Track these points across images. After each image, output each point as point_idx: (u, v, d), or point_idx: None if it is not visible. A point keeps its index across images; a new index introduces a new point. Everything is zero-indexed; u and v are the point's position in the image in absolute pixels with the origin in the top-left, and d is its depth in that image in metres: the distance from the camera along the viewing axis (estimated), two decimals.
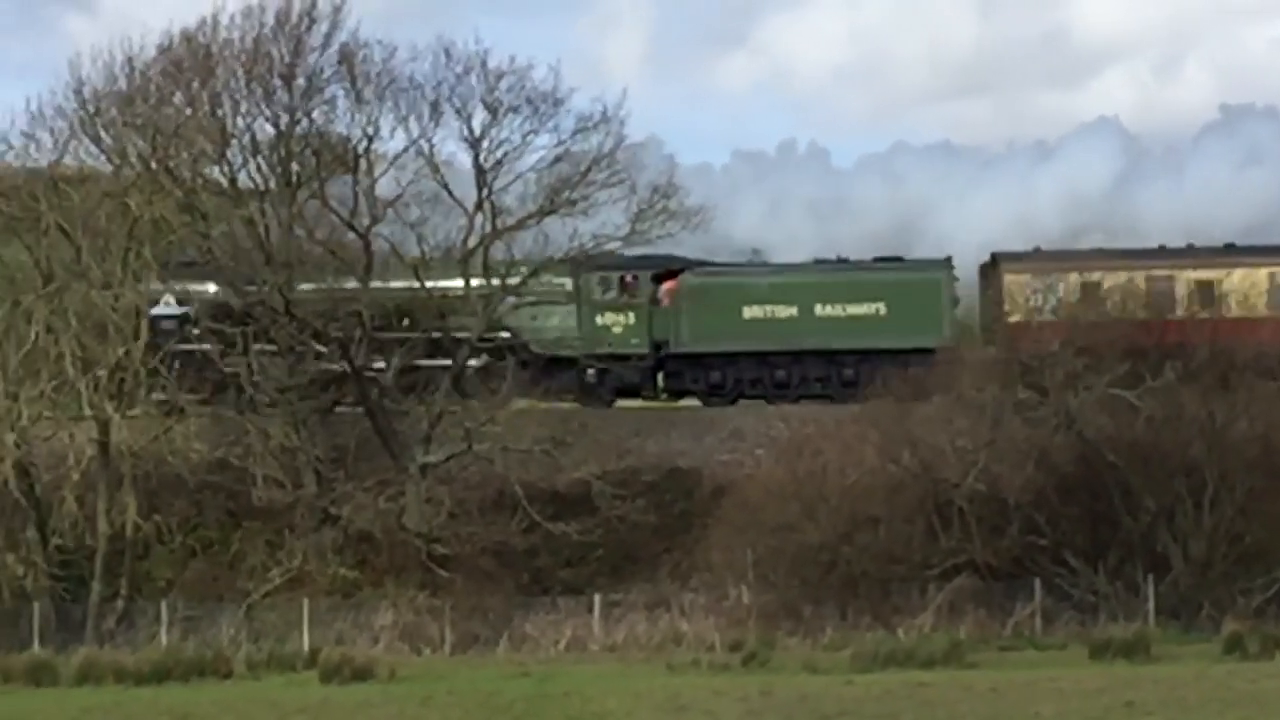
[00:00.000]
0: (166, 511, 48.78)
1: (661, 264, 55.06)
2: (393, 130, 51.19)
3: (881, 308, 53.97)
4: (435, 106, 51.07)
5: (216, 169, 50.95)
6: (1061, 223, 60.16)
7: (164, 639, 46.50)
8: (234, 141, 50.87)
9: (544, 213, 51.67)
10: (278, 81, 50.49)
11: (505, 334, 53.14)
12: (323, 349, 50.42)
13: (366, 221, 50.73)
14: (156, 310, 52.32)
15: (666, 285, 55.15)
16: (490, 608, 47.21)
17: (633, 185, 51.85)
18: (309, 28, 50.63)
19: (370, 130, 50.96)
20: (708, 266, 55.46)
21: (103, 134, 50.64)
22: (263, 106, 50.71)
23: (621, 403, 54.70)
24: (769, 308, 54.27)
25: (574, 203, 51.62)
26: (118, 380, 48.33)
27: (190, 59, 50.50)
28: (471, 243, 51.52)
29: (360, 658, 42.84)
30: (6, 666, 43.47)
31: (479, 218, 51.46)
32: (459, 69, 51.16)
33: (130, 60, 50.66)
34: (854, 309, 54.19)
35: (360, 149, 51.05)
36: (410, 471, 49.17)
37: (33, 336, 49.06)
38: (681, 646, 45.15)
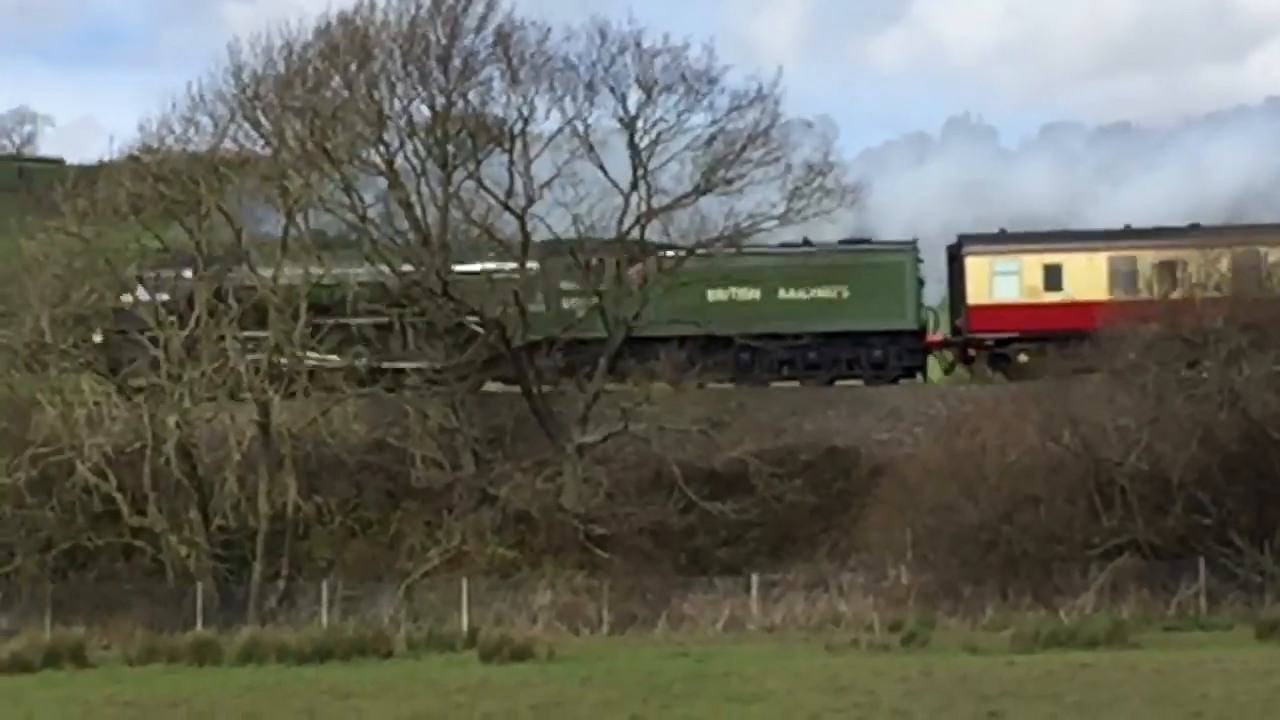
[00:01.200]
0: (326, 492, 49.12)
1: (626, 248, 53.42)
2: (548, 111, 51.39)
3: (844, 291, 53.51)
4: (590, 86, 51.20)
5: (373, 151, 51.17)
6: (1232, 202, 59.01)
7: (324, 619, 46.85)
8: (390, 124, 51.12)
9: (699, 192, 51.56)
10: (434, 63, 50.74)
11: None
12: (480, 329, 50.58)
13: (523, 202, 50.83)
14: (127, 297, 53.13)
15: (633, 269, 53.83)
16: (648, 588, 47.18)
17: (788, 163, 51.64)
18: (465, 9, 50.87)
19: (526, 111, 51.18)
20: (672, 250, 53.52)
21: (261, 118, 51.06)
22: (419, 88, 51.03)
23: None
24: (733, 290, 53.72)
25: (729, 181, 51.46)
26: (278, 362, 48.72)
27: (347, 42, 50.79)
28: (627, 223, 51.44)
29: (519, 637, 42.89)
30: (171, 646, 43.95)
31: (634, 197, 51.41)
32: (614, 48, 51.25)
33: (288, 44, 51.11)
34: (817, 292, 53.89)
35: (516, 130, 51.19)
36: (567, 452, 49.25)
37: (193, 319, 49.65)
38: (840, 627, 44.94)
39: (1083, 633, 41.37)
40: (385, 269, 50.72)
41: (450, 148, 51.06)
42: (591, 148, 51.27)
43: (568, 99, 51.11)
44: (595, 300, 51.33)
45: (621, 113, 51.33)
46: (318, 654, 43.00)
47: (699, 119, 51.82)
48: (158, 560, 48.30)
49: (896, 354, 54.29)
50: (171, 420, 48.20)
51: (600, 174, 51.40)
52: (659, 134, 51.46)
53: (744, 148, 51.43)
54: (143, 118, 51.15)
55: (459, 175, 51.24)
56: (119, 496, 47.81)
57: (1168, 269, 52.26)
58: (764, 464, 48.66)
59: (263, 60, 51.10)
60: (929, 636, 42.56)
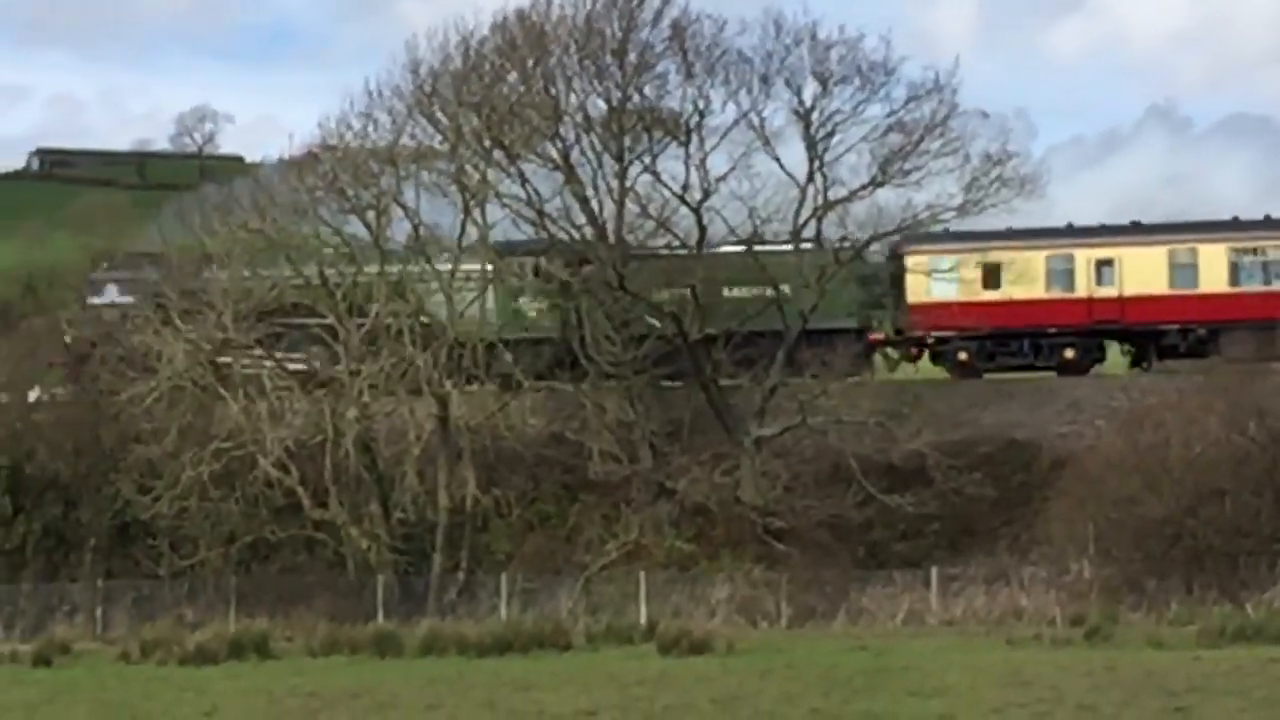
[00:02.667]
0: (505, 485, 49.31)
1: (573, 250, 52.86)
2: (724, 103, 51.38)
3: (785, 290, 51.79)
4: (765, 79, 51.09)
5: (550, 145, 51.33)
6: None
7: (504, 611, 47.08)
8: (567, 118, 51.27)
9: (876, 184, 51.29)
10: (610, 57, 50.81)
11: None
12: (656, 323, 50.60)
13: (698, 196, 50.81)
14: (96, 299, 53.83)
15: (585, 269, 52.77)
16: (826, 581, 46.96)
17: (966, 154, 51.20)
18: (640, 3, 50.92)
19: (701, 104, 51.18)
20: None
21: (438, 113, 51.33)
22: (595, 83, 51.13)
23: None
24: (675, 290, 52.11)
25: (906, 173, 51.14)
26: (456, 356, 49.00)
27: (524, 37, 51.00)
28: (803, 215, 51.25)
29: (698, 631, 42.79)
30: (353, 638, 44.28)
31: (810, 190, 51.21)
32: (789, 40, 51.10)
33: (465, 40, 51.38)
34: (756, 291, 52.15)
35: (691, 123, 51.14)
36: (745, 445, 49.15)
37: (372, 313, 50.07)
38: (1021, 621, 44.45)
39: (1270, 627, 40.64)
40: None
41: (626, 141, 51.11)
42: (767, 140, 51.27)
43: (743, 92, 51.14)
44: (772, 293, 51.15)
45: (797, 105, 51.25)
46: (497, 646, 43.18)
47: (875, 110, 51.63)
48: (339, 553, 48.75)
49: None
50: (351, 414, 48.63)
51: (776, 166, 51.31)
52: (835, 126, 51.33)
53: (921, 139, 51.09)
54: (322, 115, 51.55)
55: (635, 169, 51.39)
56: (300, 490, 48.31)
57: (1105, 266, 51.76)
58: (943, 457, 48.27)
59: (440, 56, 51.50)
60: (1112, 631, 41.98)
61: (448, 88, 51.26)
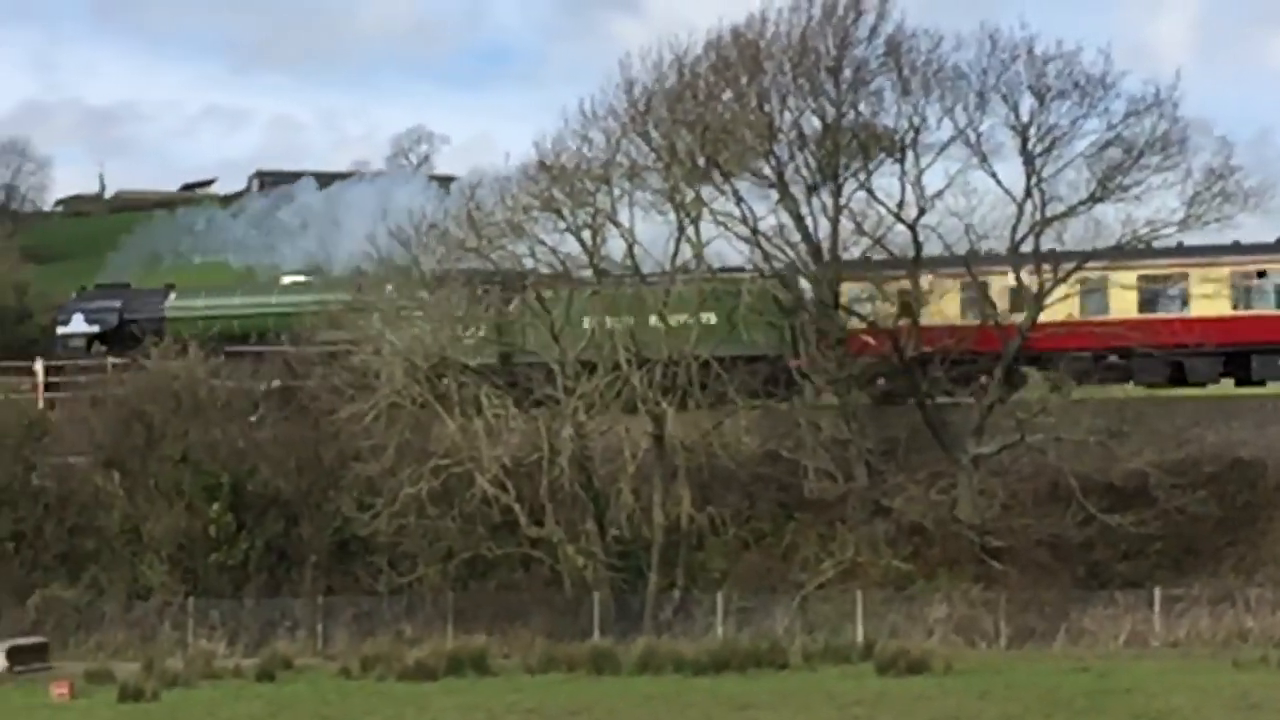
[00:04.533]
0: (719, 503, 49.18)
1: (508, 277, 53.38)
2: (939, 120, 50.86)
3: (713, 317, 50.92)
4: (982, 95, 50.48)
5: (764, 163, 51.22)
6: None
7: (719, 630, 47.01)
8: (781, 135, 51.12)
9: (1095, 199, 50.53)
10: (824, 74, 50.64)
11: None
12: (871, 340, 50.35)
13: (914, 213, 50.47)
14: (64, 329, 54.34)
15: (516, 299, 53.58)
16: (1046, 601, 46.38)
17: (1188, 169, 50.32)
18: (855, 20, 50.65)
19: (917, 121, 50.77)
20: (553, 279, 52.59)
21: (653, 131, 51.40)
22: (809, 100, 50.94)
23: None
24: (608, 318, 51.14)
25: (1126, 188, 50.35)
26: (670, 375, 49.04)
27: (738, 55, 50.97)
28: (1020, 231, 50.69)
29: (915, 650, 42.56)
30: (570, 655, 44.57)
31: (1028, 206, 50.62)
32: (1005, 56, 50.45)
33: (679, 58, 51.40)
34: (689, 318, 50.91)
35: (907, 140, 50.76)
36: (962, 463, 48.68)
37: (588, 331, 50.30)
38: (1247, 643, 43.66)
39: None
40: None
41: (841, 159, 50.87)
42: (984, 156, 50.68)
43: (959, 107, 50.57)
44: (990, 310, 50.65)
45: (1014, 120, 50.55)
46: (714, 664, 43.27)
47: (1094, 125, 50.81)
48: (555, 570, 48.93)
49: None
50: (567, 432, 48.83)
51: (992, 182, 50.79)
52: (1052, 141, 50.57)
53: (1141, 154, 50.26)
54: (537, 134, 51.76)
55: (849, 186, 51.13)
56: (517, 507, 48.54)
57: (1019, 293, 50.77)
58: (1165, 475, 47.45)
59: (654, 75, 51.57)
60: None
61: (662, 106, 51.32)
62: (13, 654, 47.31)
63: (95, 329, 58.59)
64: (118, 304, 62.10)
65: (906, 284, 50.66)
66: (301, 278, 63.54)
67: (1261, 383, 52.25)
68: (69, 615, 50.43)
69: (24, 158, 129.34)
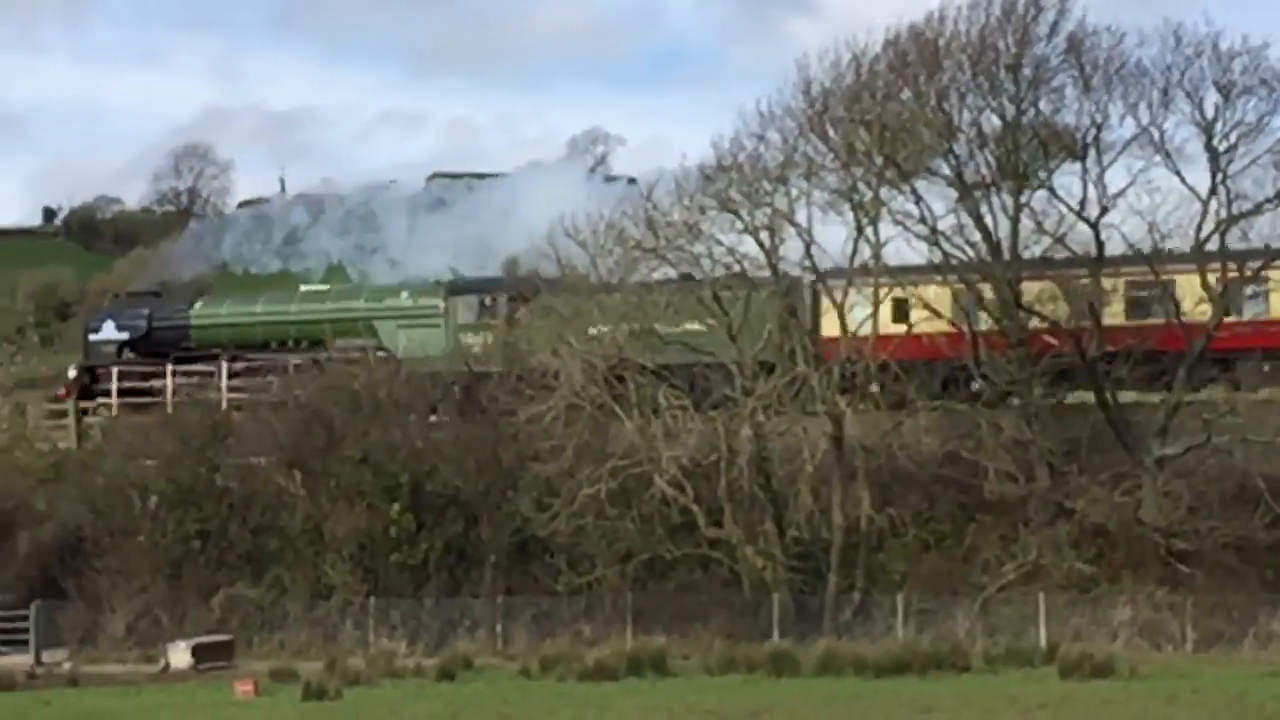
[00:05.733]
0: (899, 505, 48.85)
1: (516, 287, 57.31)
2: (1121, 117, 50.21)
3: (710, 324, 51.33)
4: (1165, 91, 49.76)
5: (943, 162, 50.83)
6: None
7: (899, 632, 46.70)
8: (960, 134, 50.67)
9: None
10: (1004, 72, 50.09)
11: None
12: (1053, 340, 49.81)
13: (1096, 211, 49.86)
14: (95, 336, 54.44)
15: (524, 307, 56.32)
16: (1233, 604, 45.65)
17: None
18: (1035, 17, 50.06)
19: (1098, 118, 50.12)
20: (560, 288, 54.06)
21: (830, 131, 51.15)
22: (989, 98, 50.41)
23: None
24: (611, 326, 51.96)
25: None
26: (849, 375, 48.80)
27: (916, 53, 50.58)
28: (1205, 230, 49.90)
29: (1099, 654, 42.04)
30: (749, 656, 44.46)
31: (1213, 204, 49.85)
32: (1189, 52, 49.72)
33: (856, 57, 51.08)
34: (689, 325, 51.76)
35: (1088, 137, 50.14)
36: (1146, 464, 47.99)
37: (765, 333, 50.20)
38: None
39: None
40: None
41: (1021, 157, 50.34)
42: (1168, 154, 49.93)
43: (1142, 105, 49.89)
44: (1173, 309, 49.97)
45: (1198, 117, 49.81)
46: (894, 667, 42.99)
47: None
48: (734, 571, 48.85)
49: None
50: (745, 433, 48.71)
51: (1176, 180, 50.02)
52: (1238, 138, 49.76)
53: None
54: (714, 135, 51.70)
55: (1030, 185, 50.52)
56: (695, 508, 48.49)
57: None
58: None
59: (831, 74, 51.29)
60: None
61: (839, 105, 51.04)
62: (198, 651, 48.03)
63: (125, 336, 59.68)
64: (146, 311, 63.43)
65: (1088, 283, 50.07)
66: (321, 286, 64.98)
67: None
68: (252, 614, 51.05)
69: (206, 162, 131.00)
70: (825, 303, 51.94)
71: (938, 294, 51.09)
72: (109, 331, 59.42)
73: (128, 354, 61.42)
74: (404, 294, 60.33)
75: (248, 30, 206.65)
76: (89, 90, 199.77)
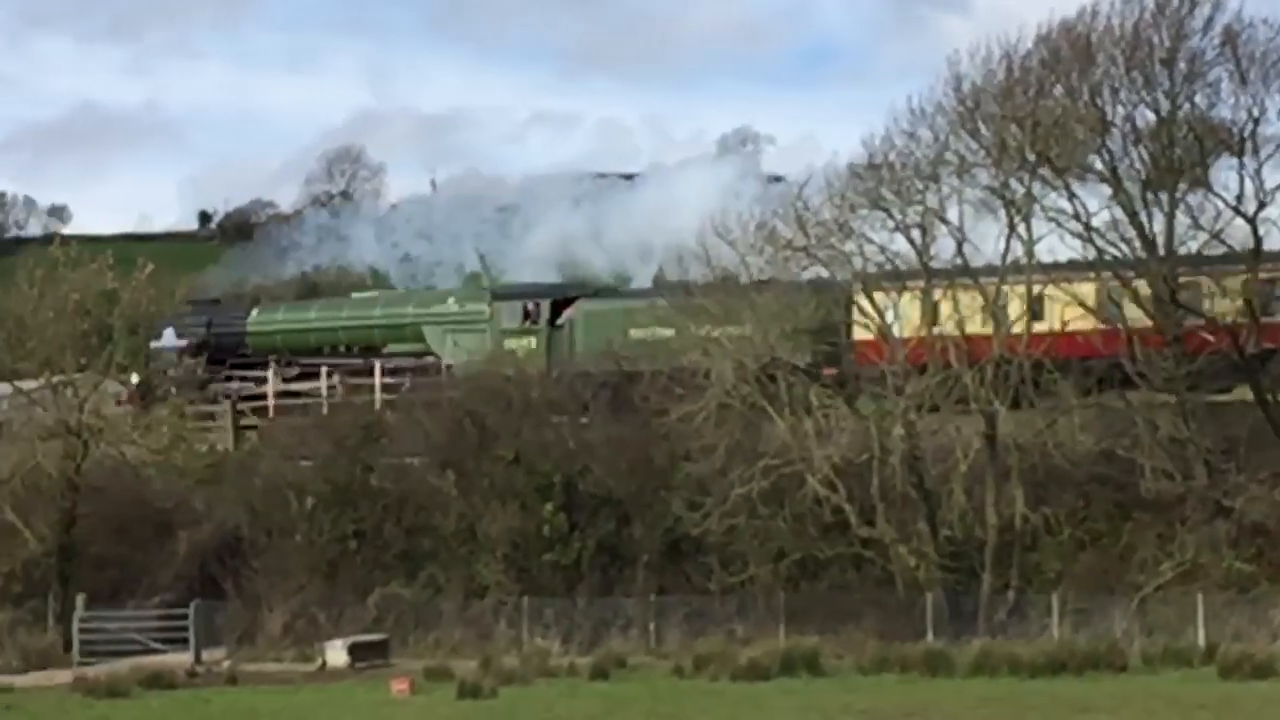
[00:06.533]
0: (1054, 503, 48.42)
1: (560, 292, 60.74)
2: (1279, 111, 49.51)
3: (748, 329, 51.15)
4: None
5: (1096, 158, 50.35)
6: None
7: (1055, 631, 46.29)
8: (1113, 129, 50.16)
9: None
10: (1158, 67, 49.50)
11: None
12: (1210, 337, 49.24)
13: (1253, 206, 49.20)
14: (156, 343, 54.29)
15: (566, 312, 59.25)
16: None
17: None
18: (1190, 10, 49.43)
19: (1255, 112, 49.35)
20: (600, 293, 60.01)
21: (981, 128, 50.80)
22: (1143, 93, 49.87)
23: None
24: (651, 329, 55.37)
25: None
26: (1003, 374, 48.48)
27: (1069, 49, 50.11)
28: None
29: (1260, 654, 41.53)
30: (903, 656, 44.33)
31: None
32: None
33: (1008, 53, 50.67)
34: (728, 329, 51.67)
35: (1245, 132, 49.48)
36: None
37: (917, 330, 49.97)
38: None
39: None
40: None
41: (1176, 152, 49.82)
42: None
43: None
44: None
45: None
46: (1050, 666, 42.75)
47: None
48: (887, 570, 48.64)
49: None
50: (898, 432, 48.54)
51: None
52: None
53: None
54: (864, 133, 51.53)
55: (1185, 180, 49.96)
56: (848, 507, 48.36)
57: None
58: None
59: (982, 71, 50.91)
60: None
61: (991, 102, 50.66)
62: (355, 650, 48.49)
63: (184, 343, 60.43)
64: (204, 319, 64.70)
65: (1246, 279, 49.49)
66: (372, 293, 66.72)
67: None
68: (407, 613, 51.42)
69: (358, 165, 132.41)
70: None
71: (1092, 290, 50.68)
72: (169, 339, 60.60)
73: (187, 361, 62.55)
74: (450, 300, 62.76)
75: (399, 33, 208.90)
76: (244, 95, 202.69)
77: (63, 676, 47.97)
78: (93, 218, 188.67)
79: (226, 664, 49.32)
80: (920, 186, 50.51)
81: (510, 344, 59.97)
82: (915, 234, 50.29)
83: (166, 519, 55.16)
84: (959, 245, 50.38)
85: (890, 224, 50.70)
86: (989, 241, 50.56)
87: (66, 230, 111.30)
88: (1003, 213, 50.19)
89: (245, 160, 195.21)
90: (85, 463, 53.91)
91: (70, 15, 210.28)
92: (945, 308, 50.22)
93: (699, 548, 50.24)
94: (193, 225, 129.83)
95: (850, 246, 51.16)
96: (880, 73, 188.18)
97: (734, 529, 49.08)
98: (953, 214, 50.56)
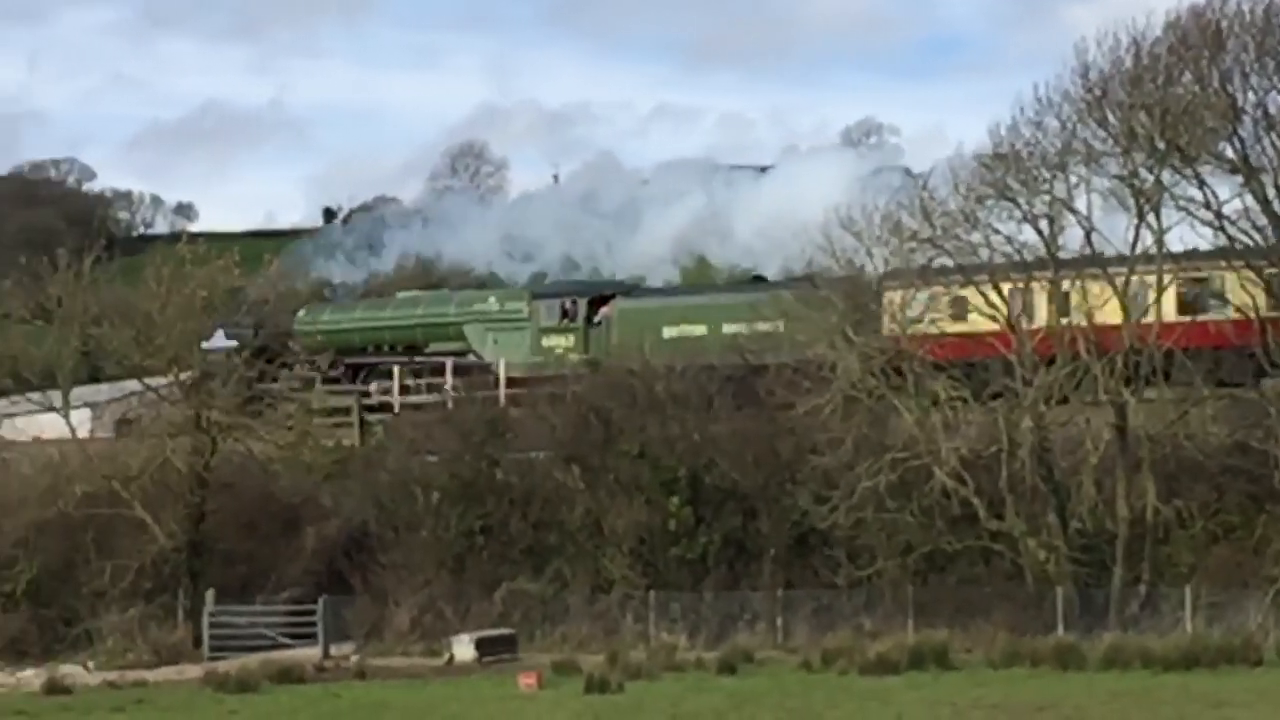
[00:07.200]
0: (1185, 496, 47.80)
1: (596, 290, 62.34)
2: None
3: (779, 325, 54.35)
4: None
5: (1227, 145, 49.66)
6: None
7: (1188, 625, 45.73)
8: (1245, 116, 49.45)
9: None
10: None
11: None
12: None
13: None
14: (207, 344, 55.78)
15: (603, 310, 60.72)
16: None
17: None
18: None
19: None
20: (635, 291, 61.96)
21: (1109, 116, 50.21)
22: (1274, 79, 49.15)
23: None
24: (684, 327, 57.86)
25: None
26: (1132, 364, 47.92)
27: (1198, 35, 49.44)
28: None
29: None
30: (1034, 650, 43.94)
31: None
32: None
33: (1136, 40, 50.04)
34: (757, 327, 55.89)
35: None
36: None
37: (1045, 321, 49.46)
38: None
39: None
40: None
41: None
42: None
43: None
44: None
45: None
46: (1183, 661, 42.22)
47: None
48: (1016, 564, 48.18)
49: None
50: (1026, 424, 48.08)
51: None
52: None
53: None
54: (990, 123, 51.09)
55: None
56: (976, 500, 47.96)
57: None
58: None
59: (1109, 58, 50.34)
60: None
61: (1119, 90, 50.08)
62: (482, 645, 48.59)
63: (234, 344, 60.73)
64: (254, 320, 65.79)
65: None
66: (414, 292, 67.69)
67: None
68: (534, 607, 51.50)
69: (481, 160, 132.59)
70: (885, 299, 52.19)
71: (1230, 280, 50.03)
72: (219, 340, 61.12)
73: (234, 359, 62.87)
74: (491, 299, 64.25)
75: (521, 29, 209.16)
76: (367, 92, 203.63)
77: (193, 671, 48.39)
78: (219, 215, 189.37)
79: (355, 659, 49.56)
80: (1047, 176, 50.01)
81: (548, 341, 61.58)
82: (1043, 224, 49.77)
83: (294, 515, 55.48)
84: (1087, 235, 49.90)
85: (1017, 214, 50.23)
86: (1118, 231, 50.12)
87: (193, 228, 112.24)
88: (1132, 202, 49.61)
89: (369, 157, 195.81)
90: (213, 459, 54.27)
91: (195, 15, 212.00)
92: (1074, 298, 49.67)
93: (826, 541, 49.99)
94: (318, 222, 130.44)
95: (976, 237, 50.71)
96: (1006, 62, 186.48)
97: (861, 522, 48.78)
98: (1081, 203, 50.11)
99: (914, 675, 42.93)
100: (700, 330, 58.48)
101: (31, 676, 49.65)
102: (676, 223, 67.76)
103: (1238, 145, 49.51)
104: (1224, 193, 49.72)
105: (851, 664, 43.97)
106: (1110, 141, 50.29)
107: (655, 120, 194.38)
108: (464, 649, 48.71)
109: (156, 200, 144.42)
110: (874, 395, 49.31)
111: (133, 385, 60.93)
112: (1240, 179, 49.57)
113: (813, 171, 67.79)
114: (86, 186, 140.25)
